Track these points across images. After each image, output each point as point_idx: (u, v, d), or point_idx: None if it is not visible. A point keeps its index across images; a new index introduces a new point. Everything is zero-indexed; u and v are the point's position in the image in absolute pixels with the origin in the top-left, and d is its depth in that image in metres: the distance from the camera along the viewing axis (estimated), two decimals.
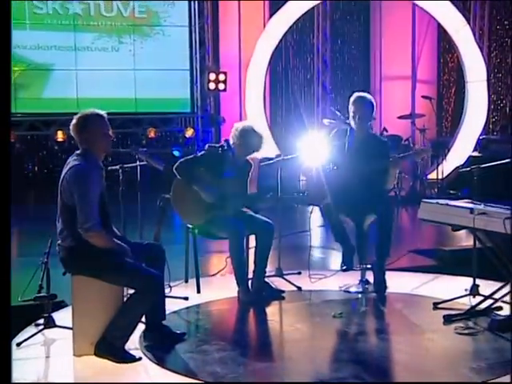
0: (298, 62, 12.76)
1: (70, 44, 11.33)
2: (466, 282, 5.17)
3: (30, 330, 4.45)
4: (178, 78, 11.91)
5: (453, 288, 5.29)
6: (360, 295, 5.40)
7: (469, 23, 12.11)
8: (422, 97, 11.11)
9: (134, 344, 4.19)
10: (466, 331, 4.46)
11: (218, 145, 5.49)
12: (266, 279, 5.40)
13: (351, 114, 5.51)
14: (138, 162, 5.16)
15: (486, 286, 5.04)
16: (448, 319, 4.68)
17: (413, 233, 8.16)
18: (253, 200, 5.55)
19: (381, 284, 5.38)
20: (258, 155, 5.57)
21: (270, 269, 5.52)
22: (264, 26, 11.83)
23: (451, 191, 9.18)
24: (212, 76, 11.72)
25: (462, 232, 5.38)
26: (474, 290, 5.04)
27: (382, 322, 4.95)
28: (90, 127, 4.10)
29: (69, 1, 11.28)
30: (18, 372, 3.74)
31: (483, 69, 11.86)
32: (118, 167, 4.93)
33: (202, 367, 3.93)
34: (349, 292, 5.46)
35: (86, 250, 3.98)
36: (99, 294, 4.08)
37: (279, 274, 5.70)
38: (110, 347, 4.02)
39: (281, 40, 11.85)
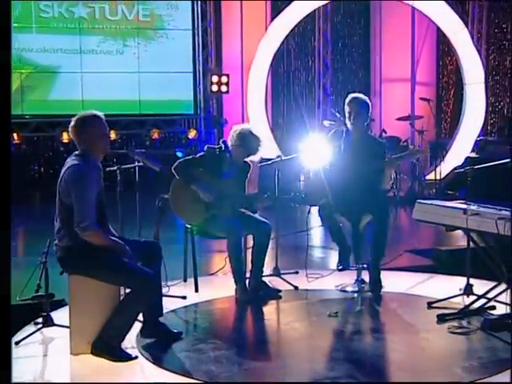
0: (300, 65, 12.79)
1: (75, 47, 11.40)
2: (461, 282, 5.20)
3: (29, 328, 4.50)
4: (181, 81, 11.96)
5: (448, 287, 5.32)
6: (356, 294, 5.45)
7: (467, 26, 12.16)
8: (421, 99, 11.15)
9: (130, 343, 4.24)
10: (460, 330, 4.49)
11: (216, 146, 5.54)
12: (264, 278, 5.46)
13: (347, 115, 5.56)
14: (136, 163, 5.21)
15: (480, 286, 5.07)
16: (441, 318, 4.71)
17: (410, 233, 8.18)
18: (250, 200, 5.60)
19: (376, 283, 5.42)
20: (255, 158, 5.61)
21: (267, 268, 5.57)
22: (266, 29, 11.89)
23: (449, 192, 9.21)
24: (215, 78, 11.78)
25: (460, 232, 5.41)
26: (467, 290, 5.08)
27: (376, 322, 4.98)
28: (88, 128, 4.15)
29: (75, 1, 11.36)
30: (16, 371, 3.75)
31: (481, 71, 11.91)
32: (115, 168, 4.98)
33: (197, 366, 3.97)
34: (345, 291, 5.51)
35: (82, 250, 4.02)
36: (96, 293, 4.12)
37: (277, 273, 5.75)
38: (107, 346, 4.07)
39: (282, 43, 11.89)
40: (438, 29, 12.31)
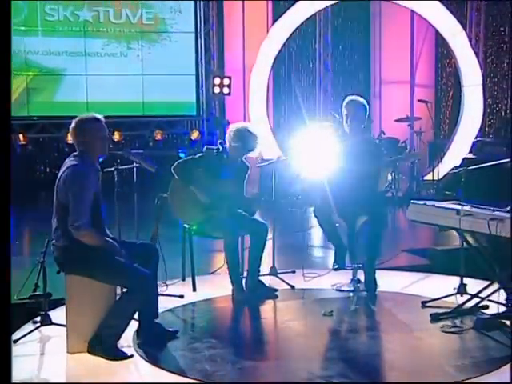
0: (301, 67, 12.84)
1: (80, 50, 11.48)
2: (456, 281, 5.21)
3: (28, 327, 4.53)
4: (184, 83, 12.03)
5: (442, 287, 5.34)
6: (351, 294, 5.49)
7: (465, 29, 12.18)
8: (419, 101, 11.18)
9: (127, 342, 4.27)
10: (452, 330, 4.53)
11: (214, 147, 5.60)
12: (260, 278, 5.50)
13: (344, 117, 5.60)
14: (134, 164, 5.26)
15: (474, 285, 5.09)
16: (435, 318, 4.75)
17: (408, 232, 8.21)
18: (248, 203, 5.63)
19: (371, 283, 5.46)
20: (253, 155, 5.65)
21: (265, 268, 5.62)
22: (267, 31, 11.95)
23: (447, 192, 9.23)
24: (217, 80, 11.83)
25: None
26: (461, 289, 5.11)
27: (371, 321, 5.01)
28: (87, 130, 4.20)
29: (80, 1, 11.44)
30: (13, 369, 3.71)
31: (479, 73, 11.94)
32: (112, 169, 5.04)
33: (191, 365, 4.00)
34: (341, 290, 5.55)
35: (78, 250, 4.05)
36: (92, 292, 4.16)
37: (274, 272, 5.80)
38: (103, 345, 4.11)
39: (283, 45, 11.93)
40: (437, 32, 12.34)
